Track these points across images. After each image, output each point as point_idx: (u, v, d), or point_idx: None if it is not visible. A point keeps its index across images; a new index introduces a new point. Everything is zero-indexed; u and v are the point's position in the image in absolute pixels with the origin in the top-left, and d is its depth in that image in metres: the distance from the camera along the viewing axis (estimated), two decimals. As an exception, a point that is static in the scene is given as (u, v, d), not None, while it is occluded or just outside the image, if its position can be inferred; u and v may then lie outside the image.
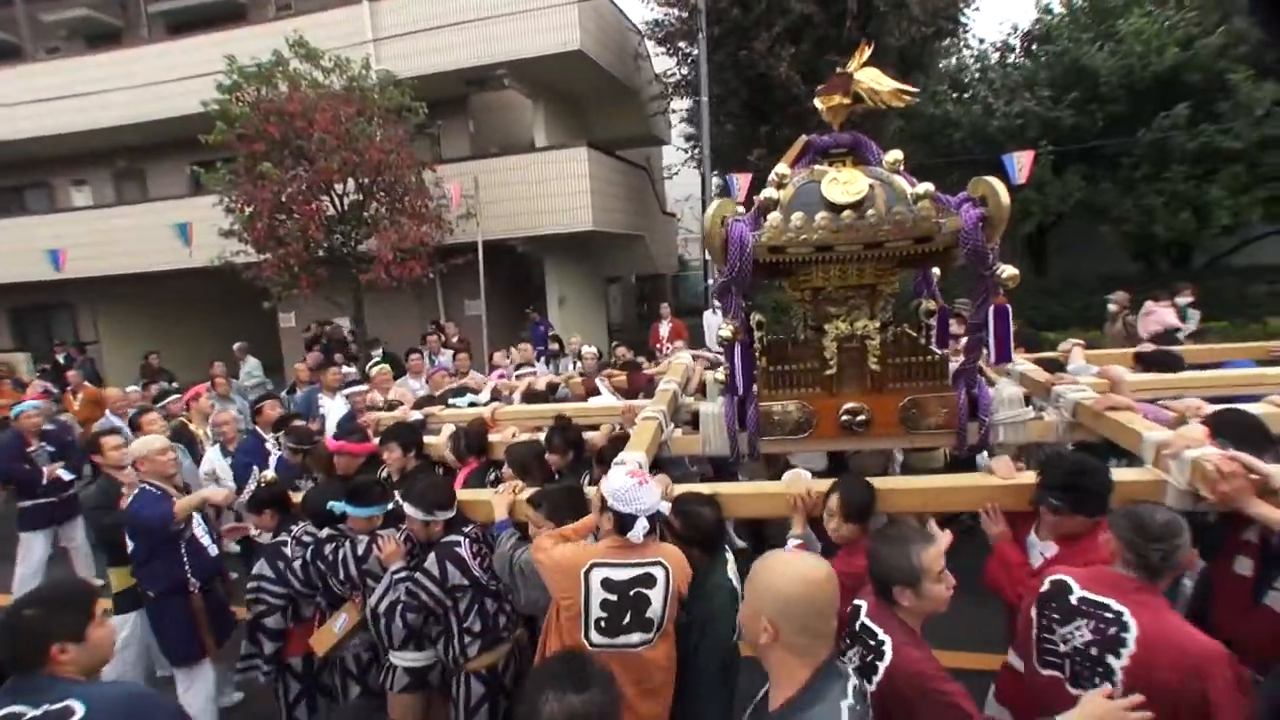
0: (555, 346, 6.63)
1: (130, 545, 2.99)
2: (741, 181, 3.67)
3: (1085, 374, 3.38)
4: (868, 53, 3.04)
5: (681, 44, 10.97)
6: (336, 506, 2.46)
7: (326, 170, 8.10)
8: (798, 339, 3.14)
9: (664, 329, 7.90)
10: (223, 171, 8.47)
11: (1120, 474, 1.97)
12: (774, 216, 2.65)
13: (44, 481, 4.58)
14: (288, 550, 2.61)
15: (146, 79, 12.12)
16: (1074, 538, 1.97)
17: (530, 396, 4.35)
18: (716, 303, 8.33)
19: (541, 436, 3.21)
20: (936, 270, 3.54)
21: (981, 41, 11.83)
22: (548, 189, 10.55)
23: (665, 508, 2.00)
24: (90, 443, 3.73)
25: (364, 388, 4.72)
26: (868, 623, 1.61)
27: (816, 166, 2.96)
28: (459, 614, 2.32)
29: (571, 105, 14.10)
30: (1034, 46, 10.99)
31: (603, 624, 1.91)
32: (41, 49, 15.17)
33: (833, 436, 2.89)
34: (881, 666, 1.50)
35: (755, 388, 2.86)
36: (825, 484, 2.21)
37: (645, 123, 15.88)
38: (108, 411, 5.54)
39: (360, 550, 2.42)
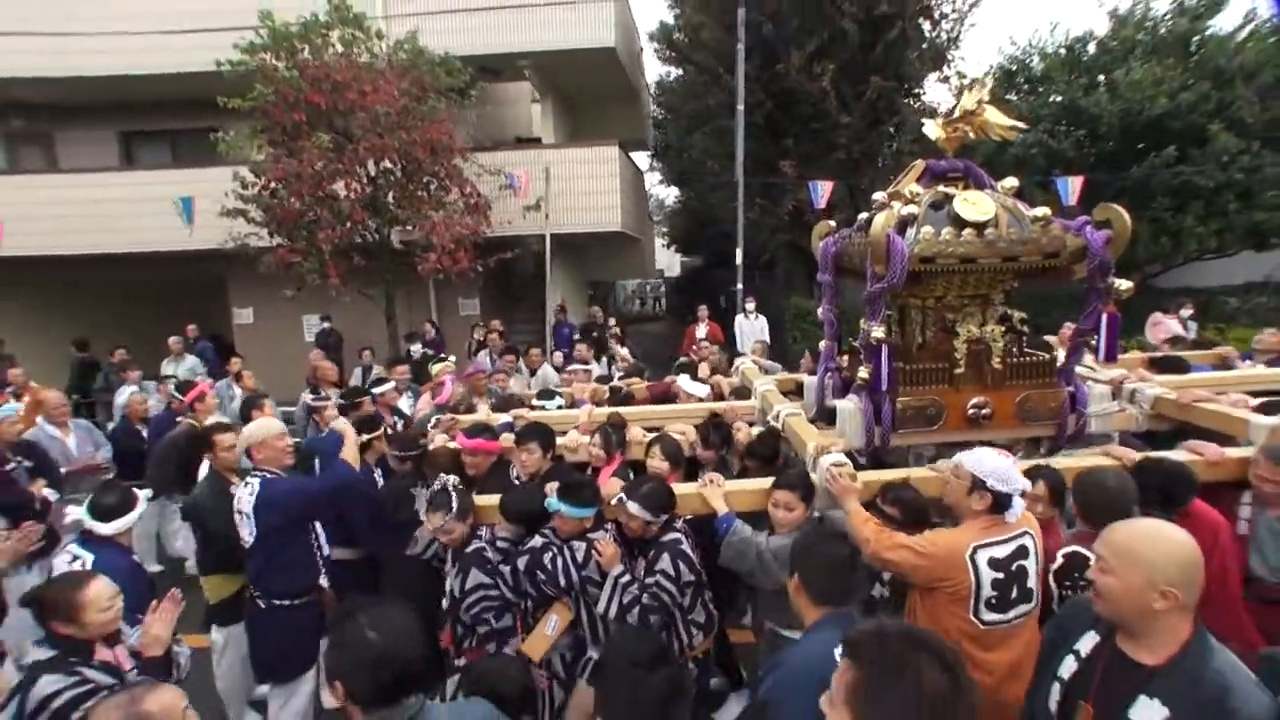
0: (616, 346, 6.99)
1: (252, 542, 2.80)
2: (824, 189, 4.18)
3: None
4: (988, 85, 3.67)
5: (700, 56, 11.57)
6: (552, 504, 2.58)
7: (385, 147, 7.88)
8: (919, 341, 3.70)
9: (700, 331, 8.32)
10: (256, 141, 8.15)
11: (1237, 453, 2.60)
12: (926, 230, 3.20)
13: (36, 505, 3.70)
14: (489, 554, 2.67)
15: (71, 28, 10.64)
16: None
17: (616, 400, 4.61)
18: (748, 308, 8.99)
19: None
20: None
21: (963, 77, 13.12)
22: (579, 186, 10.71)
23: (1027, 485, 2.20)
24: (200, 441, 3.53)
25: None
26: None
27: (940, 188, 3.55)
28: (682, 608, 2.56)
29: (570, 103, 14.46)
30: (1019, 88, 12.42)
31: (994, 601, 2.11)
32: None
33: (959, 428, 3.45)
34: None
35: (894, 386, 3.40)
36: None
37: (639, 127, 16.44)
38: (40, 419, 4.65)
39: (579, 556, 2.57)
